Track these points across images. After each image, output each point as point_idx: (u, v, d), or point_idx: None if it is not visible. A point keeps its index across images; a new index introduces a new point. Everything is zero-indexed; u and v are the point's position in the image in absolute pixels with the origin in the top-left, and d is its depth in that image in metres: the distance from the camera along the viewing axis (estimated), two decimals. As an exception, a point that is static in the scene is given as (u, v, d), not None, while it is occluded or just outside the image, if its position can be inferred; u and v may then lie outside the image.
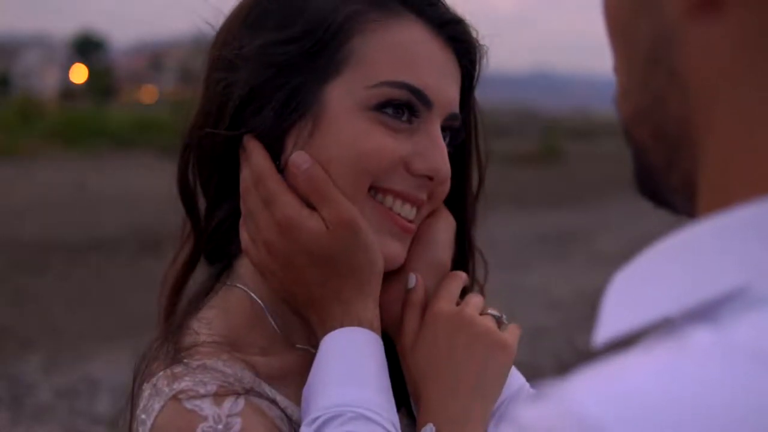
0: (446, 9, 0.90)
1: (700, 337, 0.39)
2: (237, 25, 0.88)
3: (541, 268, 8.55)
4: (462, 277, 0.93)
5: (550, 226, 11.03)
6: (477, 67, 0.93)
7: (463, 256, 0.97)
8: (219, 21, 0.91)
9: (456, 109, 0.89)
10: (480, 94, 0.96)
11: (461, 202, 0.95)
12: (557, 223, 11.27)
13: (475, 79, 0.93)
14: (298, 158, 0.84)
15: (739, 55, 0.44)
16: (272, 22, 0.86)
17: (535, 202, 13.08)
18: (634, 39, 0.49)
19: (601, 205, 12.66)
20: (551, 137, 22.98)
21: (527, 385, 0.97)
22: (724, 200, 0.44)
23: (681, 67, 0.46)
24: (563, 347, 5.85)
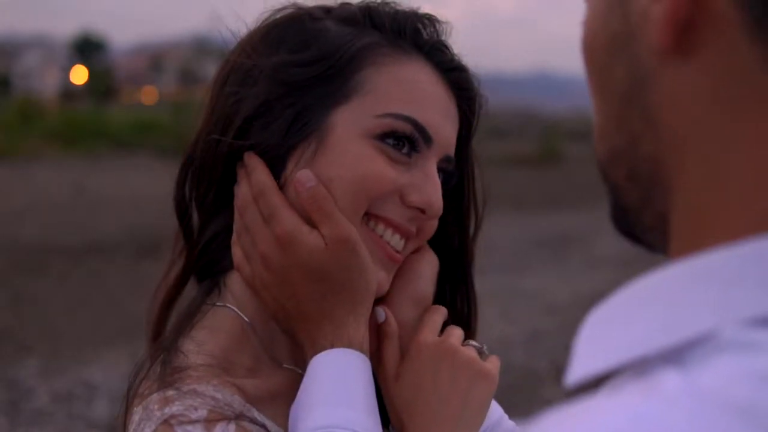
0: (453, 56, 0.94)
1: (668, 380, 0.40)
2: (256, 41, 0.91)
3: (539, 271, 8.55)
4: (443, 310, 0.94)
5: (549, 229, 11.02)
6: (476, 115, 0.96)
7: (465, 299, 1.00)
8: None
9: (452, 152, 0.93)
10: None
11: (460, 247, 0.99)
12: (556, 226, 11.26)
13: (473, 128, 0.97)
14: (304, 176, 0.86)
15: (709, 99, 0.45)
16: (290, 44, 0.89)
17: (534, 204, 13.08)
18: (609, 80, 0.50)
19: (600, 208, 12.59)
20: (551, 139, 22.95)
21: (506, 416, 0.99)
22: (695, 243, 0.45)
23: (654, 109, 0.47)
24: (560, 351, 5.85)
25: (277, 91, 0.87)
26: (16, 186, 13.45)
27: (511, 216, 11.01)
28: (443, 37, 0.93)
